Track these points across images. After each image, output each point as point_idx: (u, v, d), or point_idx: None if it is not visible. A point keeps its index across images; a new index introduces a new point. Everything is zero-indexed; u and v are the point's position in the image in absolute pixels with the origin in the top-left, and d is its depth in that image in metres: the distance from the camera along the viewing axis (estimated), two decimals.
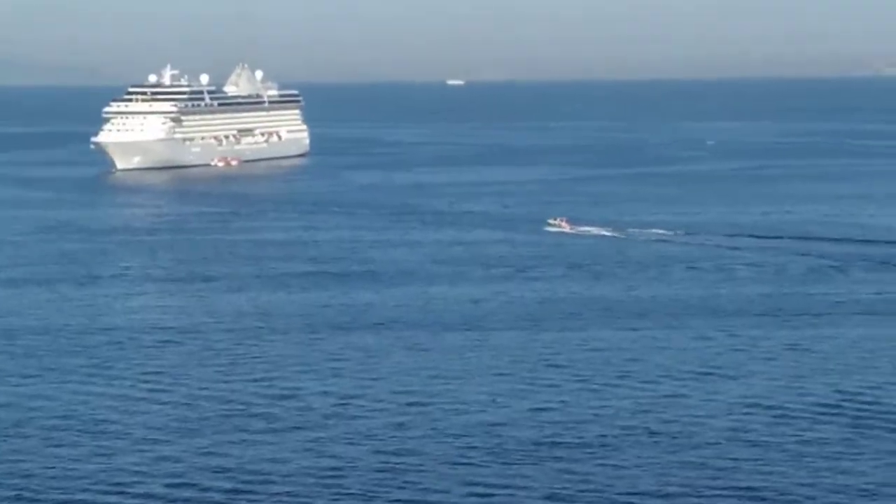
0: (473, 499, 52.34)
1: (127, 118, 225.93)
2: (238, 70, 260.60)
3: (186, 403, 66.55)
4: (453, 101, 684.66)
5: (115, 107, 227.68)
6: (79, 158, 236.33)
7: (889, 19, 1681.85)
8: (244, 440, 59.94)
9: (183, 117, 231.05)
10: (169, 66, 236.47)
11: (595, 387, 68.97)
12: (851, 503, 51.80)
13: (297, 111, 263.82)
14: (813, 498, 52.06)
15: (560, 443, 59.08)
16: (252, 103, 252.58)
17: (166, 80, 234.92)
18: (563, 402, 65.96)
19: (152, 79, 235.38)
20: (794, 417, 62.90)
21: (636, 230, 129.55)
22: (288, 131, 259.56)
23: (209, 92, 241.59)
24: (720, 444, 58.72)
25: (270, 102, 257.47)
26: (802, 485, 53.43)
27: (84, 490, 53.48)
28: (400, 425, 62.01)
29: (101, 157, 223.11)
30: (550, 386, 69.18)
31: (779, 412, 63.66)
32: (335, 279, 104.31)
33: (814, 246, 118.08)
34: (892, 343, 78.75)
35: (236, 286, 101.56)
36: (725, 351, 77.16)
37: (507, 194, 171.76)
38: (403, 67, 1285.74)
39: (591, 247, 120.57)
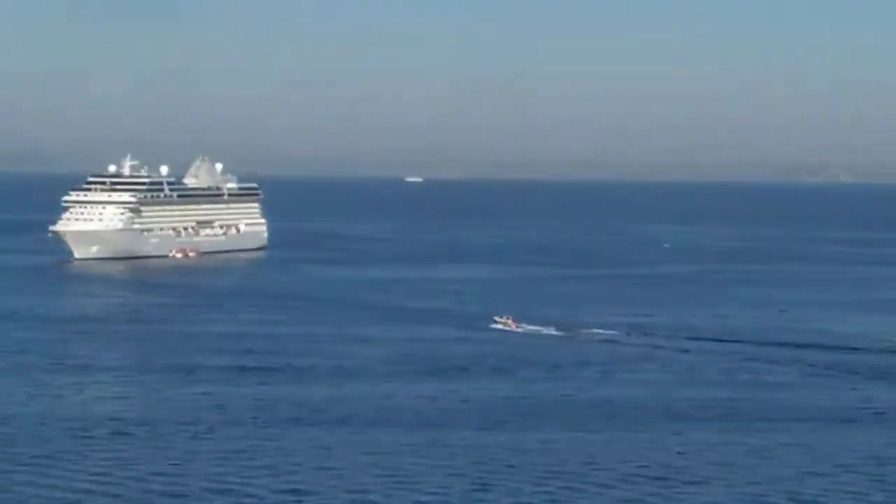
0: None
1: (86, 207, 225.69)
2: (198, 162, 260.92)
3: (139, 498, 66.15)
4: (411, 197, 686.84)
5: (74, 196, 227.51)
6: (34, 247, 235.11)
7: (846, 129, 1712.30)
8: None
9: (142, 208, 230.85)
10: (129, 157, 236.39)
11: (551, 489, 69.03)
12: None
13: (256, 204, 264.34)
14: None
15: None
16: (211, 195, 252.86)
17: (126, 171, 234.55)
18: None
19: (112, 168, 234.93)
20: None
21: (584, 330, 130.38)
22: (247, 224, 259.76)
23: (168, 183, 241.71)
24: None
25: (230, 195, 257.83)
26: None
27: None
28: None
29: (59, 245, 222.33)
30: (507, 490, 69.04)
31: None
32: (291, 373, 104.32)
33: (764, 351, 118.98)
34: (844, 450, 79.40)
35: (192, 378, 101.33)
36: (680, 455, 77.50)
37: (461, 293, 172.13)
38: (363, 163, 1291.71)
39: (531, 345, 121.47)
